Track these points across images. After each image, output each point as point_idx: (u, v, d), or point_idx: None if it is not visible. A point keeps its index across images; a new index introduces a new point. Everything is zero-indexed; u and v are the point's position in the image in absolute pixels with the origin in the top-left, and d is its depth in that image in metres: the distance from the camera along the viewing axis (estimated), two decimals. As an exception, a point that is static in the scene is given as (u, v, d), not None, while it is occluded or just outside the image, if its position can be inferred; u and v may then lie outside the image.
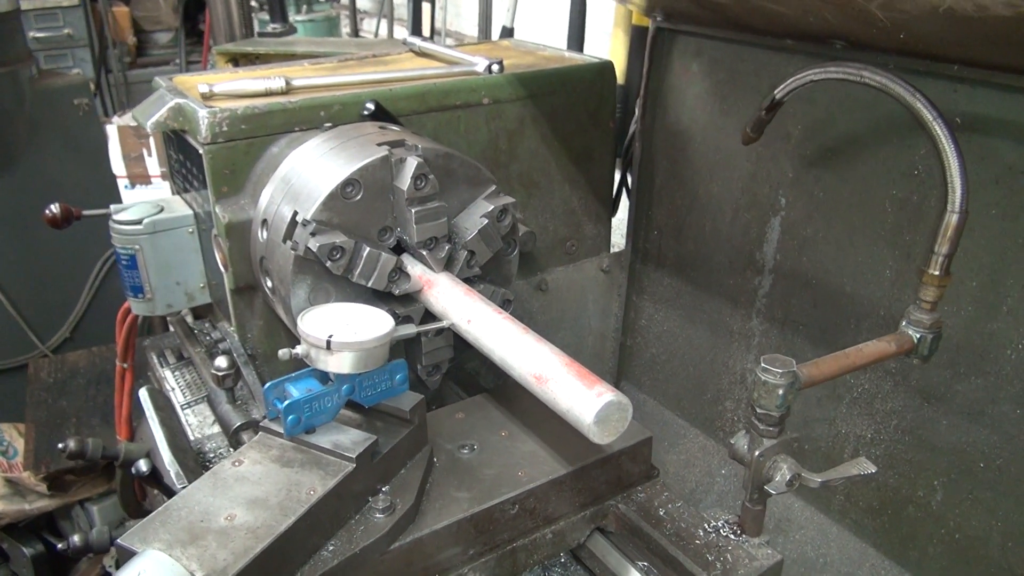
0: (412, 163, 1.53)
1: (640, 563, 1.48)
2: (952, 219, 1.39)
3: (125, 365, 2.32)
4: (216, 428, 1.86)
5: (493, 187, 1.68)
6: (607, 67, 2.22)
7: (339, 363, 1.30)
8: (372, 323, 1.35)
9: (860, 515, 1.99)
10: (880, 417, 1.90)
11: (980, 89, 1.56)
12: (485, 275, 1.72)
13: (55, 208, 2.03)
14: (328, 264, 1.51)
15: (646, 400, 2.60)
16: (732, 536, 1.44)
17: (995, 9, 1.14)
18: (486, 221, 1.63)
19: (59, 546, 1.90)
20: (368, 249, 1.53)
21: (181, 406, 1.95)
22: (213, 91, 1.79)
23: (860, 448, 1.95)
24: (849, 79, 1.46)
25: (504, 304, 1.72)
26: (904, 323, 1.50)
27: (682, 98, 2.26)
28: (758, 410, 1.33)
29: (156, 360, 2.17)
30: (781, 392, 1.30)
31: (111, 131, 4.44)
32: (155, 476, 1.89)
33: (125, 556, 1.13)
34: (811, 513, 2.11)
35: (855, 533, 2.01)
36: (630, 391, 2.64)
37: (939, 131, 1.35)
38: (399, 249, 1.63)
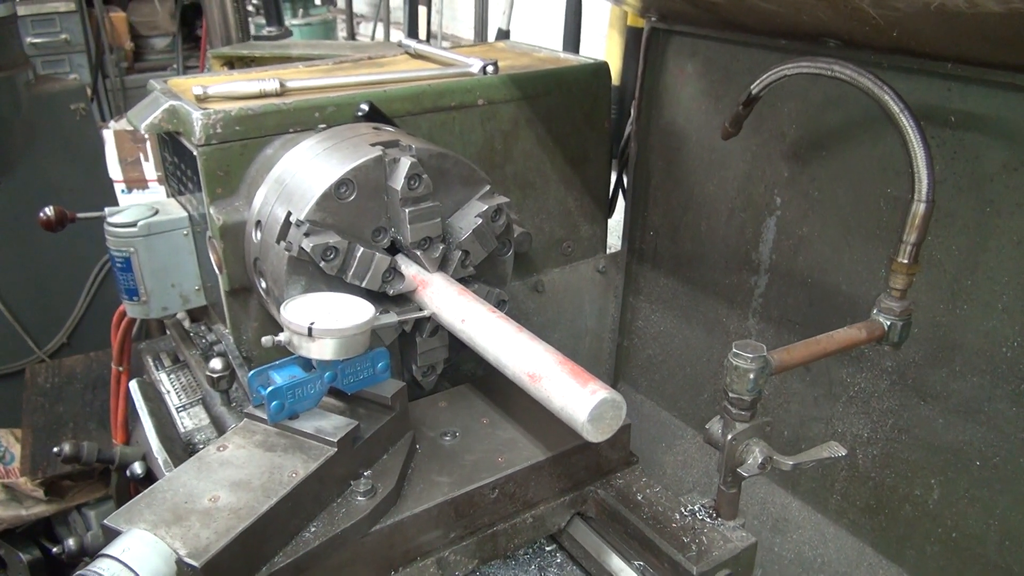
0: (406, 163, 1.53)
1: (620, 548, 1.51)
2: (920, 208, 1.42)
3: (121, 368, 2.32)
4: (206, 421, 1.86)
5: (487, 187, 1.68)
6: (602, 68, 2.22)
7: (321, 350, 1.33)
8: (353, 311, 1.38)
9: (857, 514, 1.99)
10: (876, 416, 1.90)
11: (974, 87, 1.56)
12: (480, 275, 1.72)
13: (49, 211, 2.03)
14: (322, 265, 1.51)
15: (643, 401, 2.60)
16: (708, 519, 1.47)
17: (986, 6, 1.14)
18: (480, 221, 1.63)
19: (54, 551, 1.90)
20: (362, 249, 1.53)
21: (176, 408, 1.95)
22: (207, 93, 1.79)
23: (857, 447, 1.94)
24: (821, 73, 1.48)
25: (499, 304, 1.71)
26: (875, 311, 1.53)
27: (677, 98, 2.26)
28: (730, 395, 1.36)
29: (152, 363, 2.16)
30: (752, 377, 1.33)
31: (108, 136, 4.43)
32: (150, 479, 1.89)
33: (111, 535, 1.16)
34: (808, 513, 2.10)
35: (852, 532, 2.01)
36: (627, 392, 2.64)
37: (905, 123, 1.38)
38: (393, 249, 1.63)
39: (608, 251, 2.49)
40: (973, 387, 1.69)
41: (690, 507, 1.48)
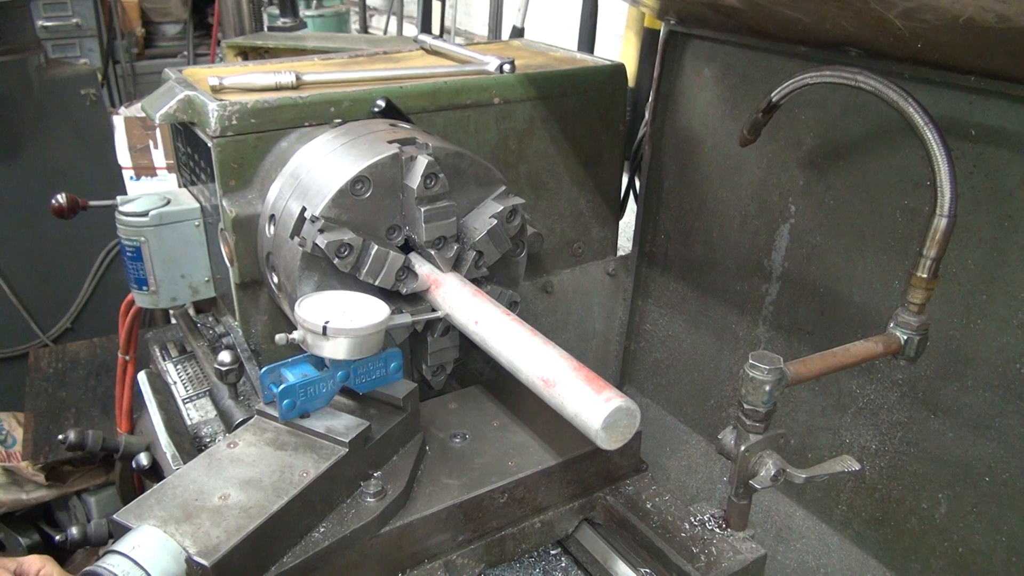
0: (422, 162, 1.52)
1: (627, 555, 1.50)
2: (941, 223, 1.41)
3: (127, 357, 2.31)
4: (213, 413, 1.86)
5: (503, 187, 1.67)
6: (619, 70, 2.21)
7: (334, 349, 1.32)
8: (368, 311, 1.37)
9: (862, 526, 1.98)
10: (885, 428, 1.89)
11: (995, 101, 1.55)
12: (492, 276, 1.71)
13: (61, 198, 2.02)
14: (336, 262, 1.50)
15: (649, 405, 2.59)
16: (717, 530, 1.47)
17: (1017, 20, 1.13)
18: (495, 222, 1.62)
19: (56, 538, 1.90)
20: (376, 247, 1.52)
21: (183, 400, 1.94)
22: (223, 84, 1.78)
23: (864, 459, 1.94)
24: (844, 83, 1.47)
25: (511, 306, 1.71)
26: (892, 324, 1.51)
27: (693, 102, 2.25)
28: (745, 406, 1.35)
29: (158, 353, 2.16)
30: (768, 388, 1.32)
31: (118, 122, 4.43)
32: (156, 470, 1.88)
33: (120, 531, 1.15)
34: (813, 523, 2.10)
35: (857, 544, 2.00)
36: (633, 395, 2.62)
37: (930, 136, 1.37)
38: (407, 248, 1.62)
39: (618, 254, 2.48)
40: (985, 402, 1.69)
41: (699, 517, 1.48)
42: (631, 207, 2.57)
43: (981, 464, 1.71)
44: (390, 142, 1.56)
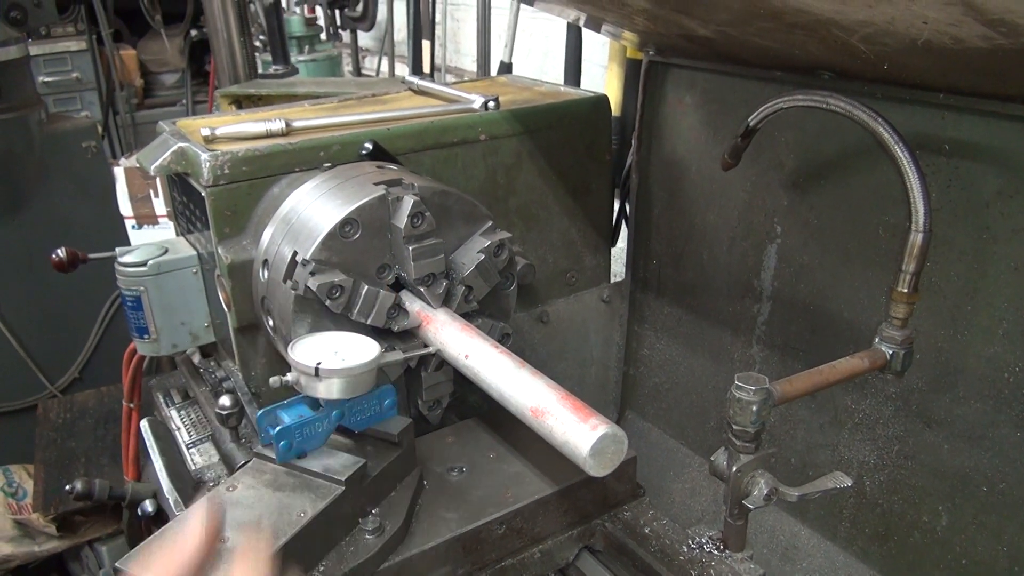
0: (408, 201, 1.56)
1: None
2: (917, 238, 1.44)
3: (132, 405, 2.34)
4: (216, 458, 1.88)
5: (489, 223, 1.71)
6: (602, 101, 2.25)
7: (328, 389, 1.35)
8: (359, 350, 1.40)
9: (866, 542, 1.98)
10: (882, 443, 1.90)
11: (966, 116, 1.58)
12: (484, 309, 1.74)
13: (62, 252, 2.07)
14: (327, 303, 1.53)
15: (650, 429, 2.60)
16: (715, 552, 1.47)
17: (971, 42, 1.17)
18: (483, 256, 1.65)
19: (66, 587, 1.91)
20: (367, 287, 1.56)
21: (187, 445, 1.97)
22: (215, 134, 1.82)
23: (864, 474, 1.95)
24: (816, 106, 1.51)
25: (503, 338, 1.74)
26: (877, 340, 1.54)
27: (677, 129, 2.29)
28: (734, 427, 1.37)
29: (162, 399, 2.19)
30: (755, 408, 1.33)
31: (119, 172, 4.50)
32: (161, 517, 1.91)
33: None
34: (818, 541, 2.10)
35: (862, 560, 2.00)
36: (634, 420, 2.64)
37: (900, 154, 1.40)
38: (398, 286, 1.65)
39: (612, 280, 2.51)
40: (977, 413, 1.70)
41: (697, 539, 1.49)
42: (623, 233, 2.60)
43: (978, 475, 1.72)
44: (377, 184, 1.61)
